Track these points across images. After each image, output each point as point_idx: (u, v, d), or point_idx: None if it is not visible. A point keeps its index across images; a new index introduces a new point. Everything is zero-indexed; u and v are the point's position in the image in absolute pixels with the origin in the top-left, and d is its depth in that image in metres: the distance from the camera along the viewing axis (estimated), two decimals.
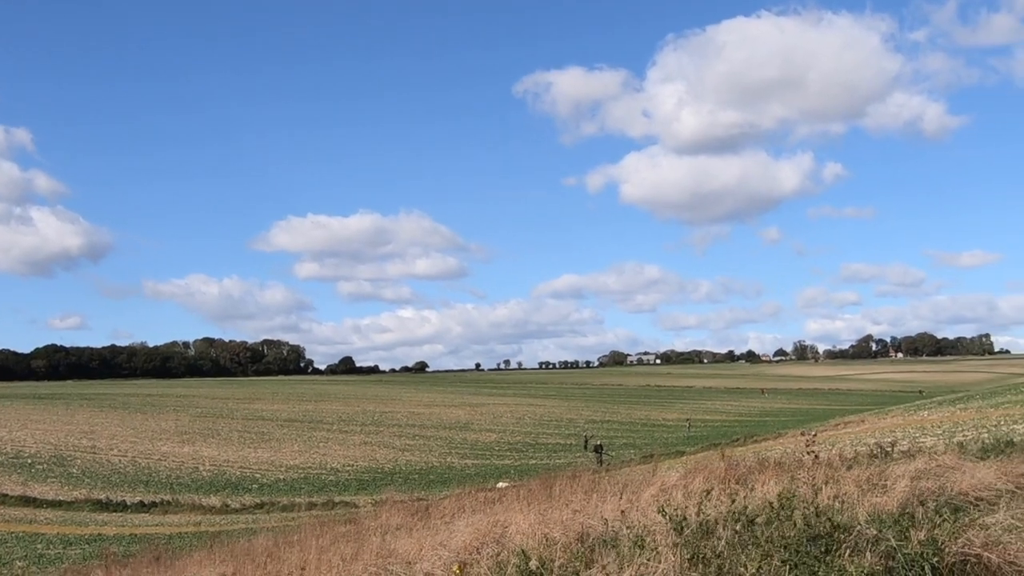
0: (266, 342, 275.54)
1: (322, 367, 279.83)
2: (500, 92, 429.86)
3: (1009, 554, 7.28)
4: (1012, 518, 8.76)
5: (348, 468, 57.80)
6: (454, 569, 6.69)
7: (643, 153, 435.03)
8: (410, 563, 8.84)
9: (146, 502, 44.92)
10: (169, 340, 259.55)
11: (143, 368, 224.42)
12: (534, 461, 60.64)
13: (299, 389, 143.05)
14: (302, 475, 54.63)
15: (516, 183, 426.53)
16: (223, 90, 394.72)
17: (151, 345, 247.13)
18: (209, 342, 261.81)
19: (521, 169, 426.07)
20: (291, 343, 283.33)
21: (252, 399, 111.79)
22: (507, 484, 40.85)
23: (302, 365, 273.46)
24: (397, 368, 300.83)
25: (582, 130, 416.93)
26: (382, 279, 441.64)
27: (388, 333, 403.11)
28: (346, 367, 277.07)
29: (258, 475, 54.15)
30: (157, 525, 37.87)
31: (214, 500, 45.93)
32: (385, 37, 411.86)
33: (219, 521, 38.89)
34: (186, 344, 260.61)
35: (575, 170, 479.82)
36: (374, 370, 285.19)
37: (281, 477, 53.72)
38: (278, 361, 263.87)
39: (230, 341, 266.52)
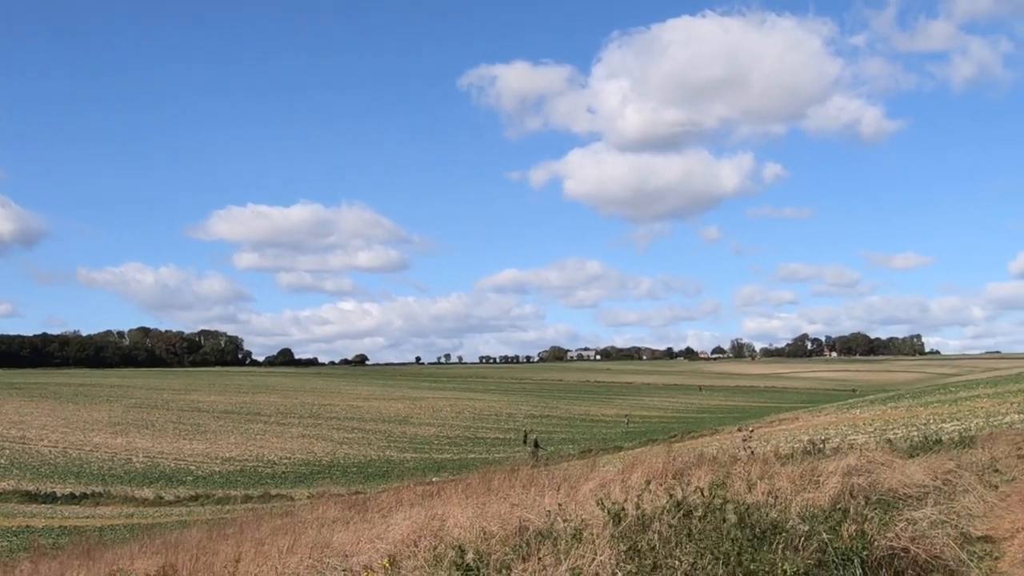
0: (203, 332, 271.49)
1: (260, 359, 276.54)
2: (445, 85, 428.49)
3: (935, 548, 7.47)
4: (938, 513, 9.00)
5: (285, 461, 57.27)
6: (384, 562, 6.65)
7: (587, 149, 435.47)
8: (347, 556, 8.79)
9: (77, 494, 44.03)
10: (103, 329, 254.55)
11: (76, 357, 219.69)
12: (473, 455, 60.64)
13: (236, 380, 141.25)
14: (238, 468, 54.00)
15: (460, 177, 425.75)
16: (164, 79, 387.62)
17: (84, 334, 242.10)
18: (144, 332, 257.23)
19: (465, 163, 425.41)
20: (229, 334, 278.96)
21: (188, 390, 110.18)
22: (440, 479, 40.88)
23: (240, 356, 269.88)
24: (337, 361, 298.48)
25: (526, 125, 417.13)
26: (323, 271, 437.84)
27: (328, 325, 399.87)
28: (285, 359, 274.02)
29: (193, 467, 53.41)
30: (88, 517, 37.15)
31: (147, 492, 45.18)
32: (330, 29, 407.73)
33: (152, 513, 38.28)
34: (121, 334, 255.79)
35: (519, 165, 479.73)
36: (313, 362, 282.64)
37: (217, 469, 53.04)
38: (215, 352, 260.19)
39: (166, 331, 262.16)
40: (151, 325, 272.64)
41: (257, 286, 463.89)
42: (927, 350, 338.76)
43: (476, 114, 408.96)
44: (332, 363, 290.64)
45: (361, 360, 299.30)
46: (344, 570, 7.79)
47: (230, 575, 8.11)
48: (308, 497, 36.72)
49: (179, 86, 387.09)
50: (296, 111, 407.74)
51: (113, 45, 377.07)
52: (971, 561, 7.63)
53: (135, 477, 49.63)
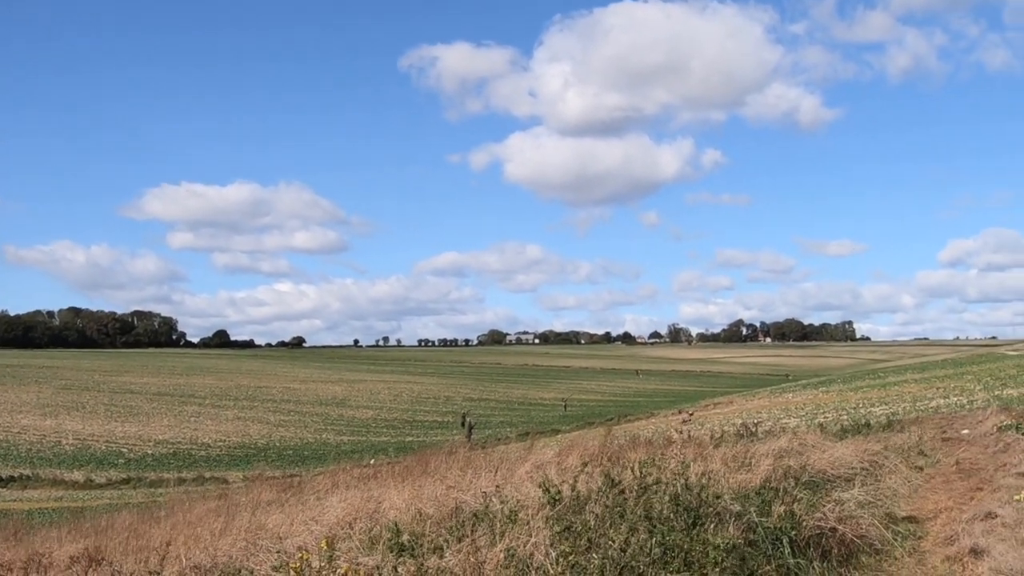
0: (136, 313, 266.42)
1: (195, 340, 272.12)
2: (385, 65, 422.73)
3: (861, 528, 7.66)
4: (865, 494, 9.23)
5: (220, 443, 56.62)
6: (320, 544, 6.61)
7: (528, 133, 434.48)
8: (281, 538, 8.73)
9: (3, 477, 43.08)
10: (32, 309, 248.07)
11: (3, 337, 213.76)
12: (411, 438, 60.59)
13: (170, 362, 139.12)
14: (171, 450, 53.25)
15: (399, 158, 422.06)
16: (97, 51, 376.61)
17: (12, 314, 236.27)
18: (75, 312, 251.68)
19: (405, 144, 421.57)
20: (163, 315, 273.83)
21: (120, 371, 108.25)
22: (377, 461, 40.76)
23: (174, 338, 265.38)
24: (273, 343, 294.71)
25: (467, 107, 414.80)
26: (259, 251, 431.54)
27: (265, 307, 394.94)
28: (220, 341, 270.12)
29: (125, 450, 52.53)
30: (15, 500, 36.39)
31: (77, 475, 44.37)
32: (269, 3, 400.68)
33: (82, 497, 37.61)
34: (50, 313, 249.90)
35: (459, 147, 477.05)
36: (249, 344, 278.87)
37: (149, 452, 52.25)
38: (149, 333, 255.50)
39: (98, 311, 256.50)
40: (82, 305, 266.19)
41: (192, 266, 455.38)
42: (858, 336, 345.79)
43: (417, 95, 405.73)
44: (269, 345, 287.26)
45: (298, 342, 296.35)
46: (278, 552, 7.73)
47: (161, 558, 7.99)
48: (243, 480, 36.36)
49: (111, 56, 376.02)
50: (232, 89, 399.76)
51: (40, 14, 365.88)
52: (895, 540, 7.83)
53: (65, 460, 48.68)
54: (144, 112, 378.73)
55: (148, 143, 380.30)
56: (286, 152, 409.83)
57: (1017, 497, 8.59)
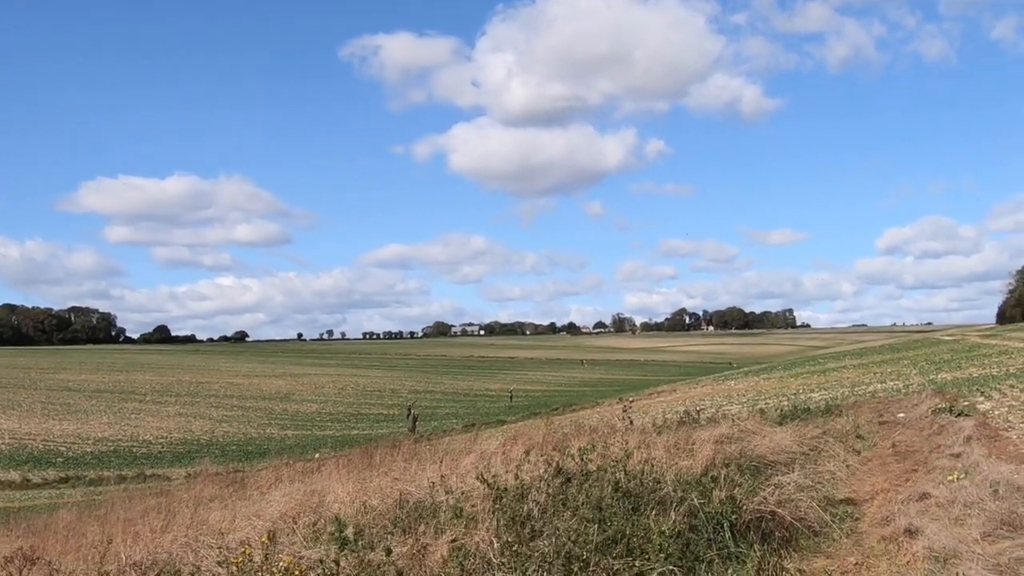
0: (73, 309, 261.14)
1: (135, 336, 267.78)
2: (326, 55, 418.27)
3: (800, 511, 7.79)
4: (804, 478, 9.39)
5: (162, 440, 55.77)
6: (262, 539, 6.56)
7: (471, 123, 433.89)
8: (223, 533, 8.64)
9: None
10: None
11: None
12: (356, 431, 60.25)
13: (109, 359, 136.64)
14: (112, 448, 52.32)
15: (342, 149, 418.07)
16: (28, 38, 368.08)
17: None
18: (10, 308, 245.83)
19: (347, 135, 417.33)
20: (101, 310, 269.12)
21: (57, 369, 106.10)
22: (321, 455, 40.45)
23: (113, 334, 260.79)
24: (216, 337, 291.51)
25: (410, 97, 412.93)
26: (200, 245, 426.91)
27: (206, 301, 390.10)
28: (161, 336, 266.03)
29: (63, 448, 51.49)
30: None
31: (13, 475, 43.38)
32: None
33: (19, 497, 36.80)
34: None
35: (402, 138, 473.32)
36: (191, 339, 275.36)
37: (88, 450, 51.27)
38: (87, 329, 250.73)
39: (33, 308, 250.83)
40: (17, 301, 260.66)
41: (131, 261, 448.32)
42: (799, 324, 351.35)
43: (359, 85, 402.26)
44: (211, 340, 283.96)
45: (241, 337, 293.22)
46: (220, 548, 7.64)
47: (100, 557, 7.85)
48: (185, 476, 35.91)
49: (44, 48, 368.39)
50: (170, 81, 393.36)
51: None
52: (833, 522, 7.98)
53: (0, 459, 47.61)
54: (79, 104, 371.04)
55: (84, 136, 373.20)
56: (226, 144, 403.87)
57: (950, 478, 8.80)
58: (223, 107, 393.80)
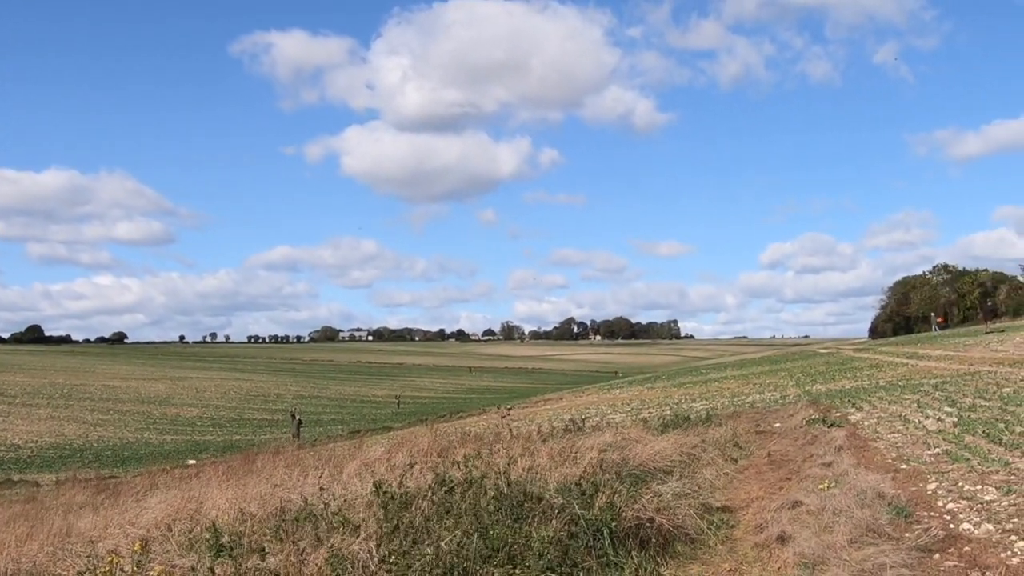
0: None
1: (6, 335, 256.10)
2: (215, 50, 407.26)
3: (677, 518, 7.95)
4: (683, 486, 9.59)
5: (31, 444, 53.51)
6: (134, 547, 6.36)
7: (365, 127, 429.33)
8: (93, 542, 8.36)
9: None
10: None
11: None
12: (238, 437, 59.00)
13: None
14: None
15: (231, 148, 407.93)
16: None
17: None
18: None
19: (236, 134, 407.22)
20: None
21: None
22: (199, 461, 39.59)
23: None
24: (93, 338, 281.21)
25: (303, 97, 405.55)
26: (78, 242, 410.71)
27: (83, 300, 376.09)
28: (34, 336, 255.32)
29: None
30: None
31: None
32: None
33: None
34: None
35: (294, 139, 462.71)
36: (66, 340, 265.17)
37: None
38: None
39: None
40: None
41: (3, 257, 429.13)
42: (683, 335, 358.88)
43: (249, 83, 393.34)
44: (87, 341, 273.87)
45: (119, 338, 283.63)
46: (88, 556, 7.38)
47: None
48: (55, 482, 34.55)
49: None
50: (49, 70, 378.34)
51: None
52: (710, 529, 8.17)
53: None
54: None
55: None
56: (108, 138, 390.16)
57: (821, 486, 9.11)
58: (107, 101, 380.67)
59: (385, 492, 7.96)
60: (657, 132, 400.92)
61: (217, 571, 6.20)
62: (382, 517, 7.33)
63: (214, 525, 7.37)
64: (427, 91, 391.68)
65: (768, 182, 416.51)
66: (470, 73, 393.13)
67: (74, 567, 7.06)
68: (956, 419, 13.62)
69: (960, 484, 8.94)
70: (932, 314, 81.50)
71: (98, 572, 5.89)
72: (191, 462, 33.73)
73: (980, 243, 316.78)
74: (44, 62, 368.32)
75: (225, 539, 6.97)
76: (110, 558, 5.99)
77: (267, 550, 6.70)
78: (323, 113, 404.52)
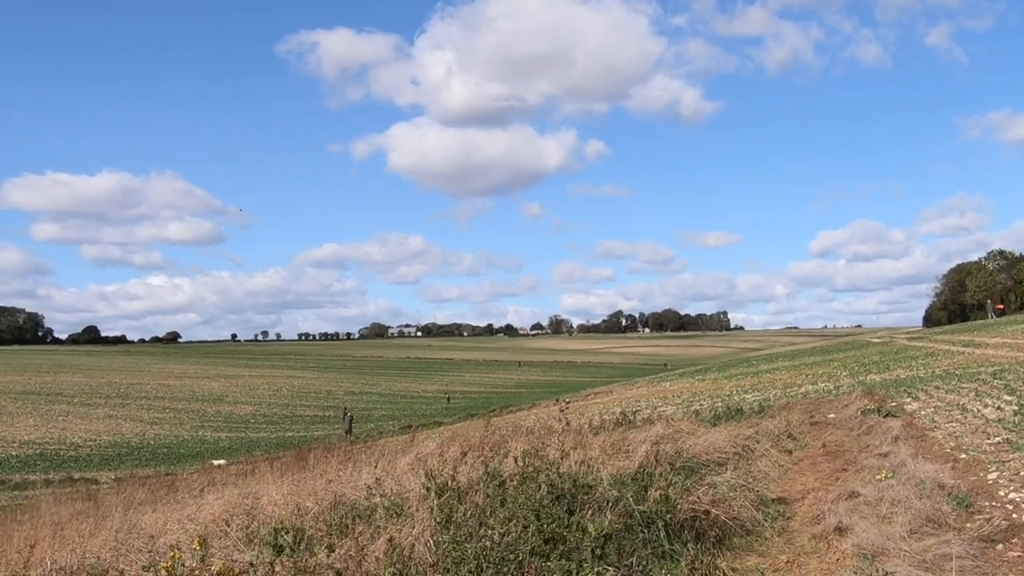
0: None
1: (63, 336, 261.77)
2: (261, 50, 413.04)
3: (733, 510, 7.89)
4: (737, 477, 9.51)
5: (90, 443, 54.58)
6: (194, 543, 6.45)
7: (410, 123, 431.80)
8: (153, 537, 8.49)
9: None
10: None
11: None
12: (291, 433, 59.68)
13: (36, 360, 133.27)
14: (38, 451, 51.07)
15: (278, 147, 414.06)
16: None
17: None
18: None
19: (283, 132, 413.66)
20: (28, 310, 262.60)
21: None
22: (223, 462, 39.93)
23: (40, 334, 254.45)
24: (147, 338, 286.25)
25: (348, 95, 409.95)
26: (131, 243, 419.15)
27: (137, 301, 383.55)
28: (90, 337, 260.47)
29: None
30: None
31: None
32: None
33: None
34: None
35: (340, 136, 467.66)
36: (121, 340, 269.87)
37: (13, 454, 49.96)
38: (12, 330, 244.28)
39: None
40: None
41: (58, 259, 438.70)
42: (732, 326, 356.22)
43: (295, 82, 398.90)
44: (142, 341, 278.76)
45: (173, 338, 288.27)
46: (150, 551, 7.50)
47: (24, 561, 7.65)
48: (115, 480, 35.18)
49: None
50: (101, 73, 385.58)
51: None
52: (766, 521, 8.09)
53: None
54: (3, 99, 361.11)
55: (8, 131, 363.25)
56: (158, 141, 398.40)
57: (878, 476, 8.99)
58: (156, 103, 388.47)
59: (438, 484, 7.99)
60: (704, 121, 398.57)
61: (277, 567, 6.27)
62: (435, 508, 7.36)
63: (273, 521, 7.46)
64: (472, 85, 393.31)
65: (814, 169, 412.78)
66: (514, 66, 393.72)
67: (137, 562, 7.19)
68: (1016, 407, 13.34)
69: (1022, 473, 8.77)
70: (989, 301, 80.00)
71: (160, 567, 5.98)
72: (219, 462, 34.21)
73: None
74: (95, 64, 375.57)
75: (283, 534, 7.05)
76: (172, 553, 6.08)
77: (333, 544, 6.76)
78: (369, 110, 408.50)
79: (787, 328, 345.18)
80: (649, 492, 7.65)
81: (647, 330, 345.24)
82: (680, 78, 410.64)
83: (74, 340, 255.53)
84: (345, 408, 65.73)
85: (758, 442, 12.64)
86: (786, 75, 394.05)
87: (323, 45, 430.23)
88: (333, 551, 6.61)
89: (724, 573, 6.51)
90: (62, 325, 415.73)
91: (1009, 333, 39.39)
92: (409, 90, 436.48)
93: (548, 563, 6.21)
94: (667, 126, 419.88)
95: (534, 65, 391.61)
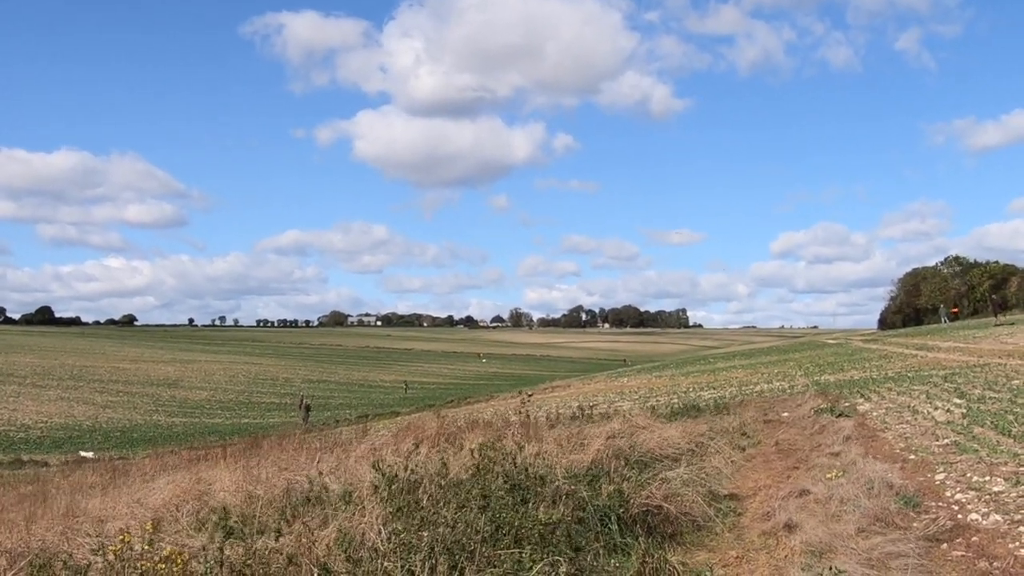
0: None
1: (16, 317, 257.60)
2: (226, 31, 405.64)
3: (685, 505, 7.96)
4: (691, 473, 9.59)
5: (41, 425, 53.79)
6: (146, 527, 6.39)
7: (377, 111, 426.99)
8: (103, 521, 8.41)
9: None
10: None
11: None
12: (247, 420, 59.23)
13: None
14: None
15: (242, 130, 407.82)
16: None
17: None
18: None
19: (247, 116, 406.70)
20: None
21: None
22: (91, 454, 39.43)
23: None
24: (103, 320, 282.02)
25: (314, 80, 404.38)
26: (89, 223, 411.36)
27: (94, 283, 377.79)
28: (44, 318, 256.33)
29: None
30: None
31: None
32: None
33: None
34: None
35: (304, 122, 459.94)
36: (76, 322, 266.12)
37: None
38: None
39: None
40: None
41: (13, 238, 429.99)
42: (692, 324, 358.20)
43: (260, 65, 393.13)
44: (97, 323, 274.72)
45: (129, 321, 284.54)
46: (98, 536, 7.42)
47: None
48: (65, 463, 34.74)
49: None
50: (60, 50, 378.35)
51: None
52: (717, 517, 8.17)
53: None
54: None
55: None
56: (119, 120, 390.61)
57: (829, 475, 9.10)
58: (118, 82, 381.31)
59: (388, 475, 7.97)
60: (673, 119, 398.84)
61: (227, 551, 6.23)
62: (386, 498, 7.36)
63: (224, 507, 7.42)
64: (440, 75, 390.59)
65: (781, 170, 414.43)
66: (484, 57, 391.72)
67: (84, 546, 7.11)
68: (965, 410, 13.57)
69: (968, 475, 8.92)
70: (942, 306, 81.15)
71: (108, 550, 5.92)
72: (87, 454, 33.57)
73: (995, 234, 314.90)
74: (54, 42, 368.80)
75: (233, 520, 7.01)
76: (121, 536, 6.02)
77: (281, 530, 6.73)
78: (335, 96, 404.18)
79: (746, 327, 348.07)
80: (603, 485, 7.70)
81: (607, 326, 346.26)
82: (651, 74, 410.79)
83: (27, 321, 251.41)
84: (302, 396, 65.35)
85: (712, 439, 12.75)
86: (757, 75, 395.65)
87: (289, 28, 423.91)
88: (283, 536, 6.59)
89: (674, 567, 6.56)
90: (15, 305, 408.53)
91: (961, 338, 40.00)
92: (377, 77, 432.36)
93: (500, 552, 6.22)
94: (637, 122, 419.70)
95: (504, 57, 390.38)
